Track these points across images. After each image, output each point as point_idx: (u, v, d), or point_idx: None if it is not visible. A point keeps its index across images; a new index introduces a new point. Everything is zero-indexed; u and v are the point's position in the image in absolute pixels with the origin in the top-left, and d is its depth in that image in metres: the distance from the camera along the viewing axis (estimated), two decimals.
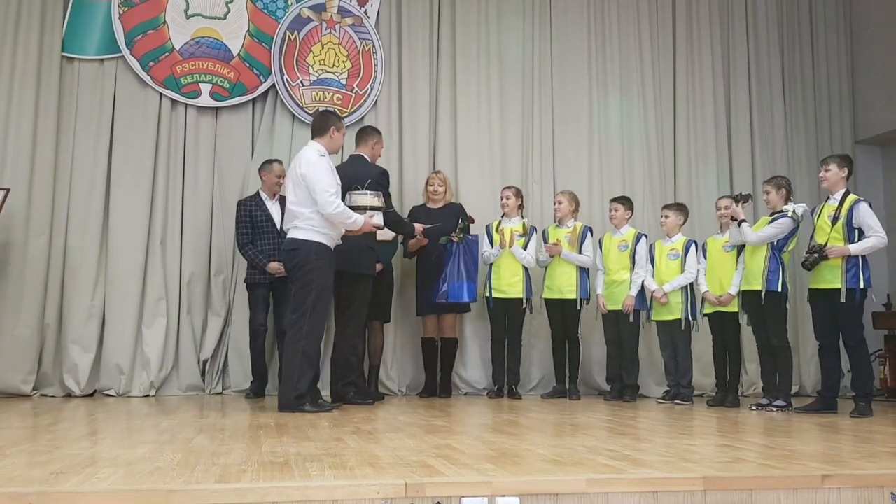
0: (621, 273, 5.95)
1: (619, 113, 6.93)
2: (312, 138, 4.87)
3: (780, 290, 5.27)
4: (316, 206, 4.61)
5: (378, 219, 4.96)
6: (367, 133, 5.51)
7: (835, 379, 5.21)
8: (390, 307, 6.01)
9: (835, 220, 5.01)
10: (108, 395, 5.77)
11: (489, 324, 6.13)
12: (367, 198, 4.98)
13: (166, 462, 2.69)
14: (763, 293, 5.24)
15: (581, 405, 5.51)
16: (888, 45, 7.09)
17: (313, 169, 4.62)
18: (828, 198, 5.21)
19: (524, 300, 6.00)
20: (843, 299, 4.91)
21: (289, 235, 4.73)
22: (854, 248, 4.91)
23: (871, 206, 5.06)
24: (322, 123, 4.88)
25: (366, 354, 5.80)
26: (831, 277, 4.98)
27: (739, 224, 5.37)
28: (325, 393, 5.36)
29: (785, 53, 7.35)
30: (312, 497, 2.23)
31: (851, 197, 5.06)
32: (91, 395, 5.79)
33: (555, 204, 6.18)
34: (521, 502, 2.32)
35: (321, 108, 6.20)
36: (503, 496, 2.31)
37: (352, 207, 4.82)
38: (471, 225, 5.96)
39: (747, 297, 5.42)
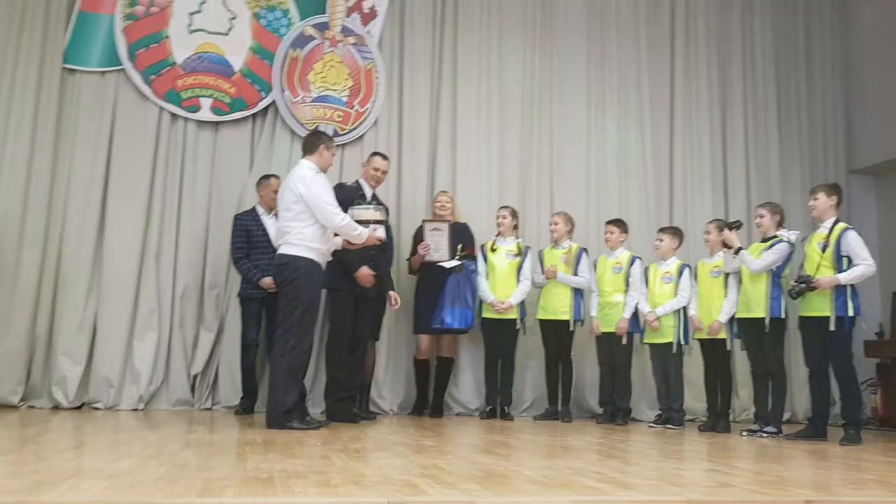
0: (615, 295, 5.95)
1: (616, 137, 6.98)
2: (303, 156, 4.91)
3: (783, 315, 5.28)
4: (307, 222, 4.64)
5: (381, 232, 5.02)
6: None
7: (825, 406, 5.20)
8: (380, 325, 6.00)
9: (824, 249, 5.02)
10: (96, 408, 5.73)
11: (483, 344, 6.13)
12: (368, 212, 5.03)
13: (149, 475, 2.67)
14: (767, 320, 5.23)
15: (572, 427, 5.49)
16: (883, 75, 7.15)
17: (311, 185, 4.67)
18: (818, 226, 5.23)
19: (518, 321, 6.00)
20: (832, 327, 4.92)
21: (279, 251, 4.77)
22: (843, 277, 4.92)
23: (859, 234, 5.06)
24: (312, 141, 4.93)
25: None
26: (821, 305, 4.98)
27: (737, 252, 5.37)
28: (319, 410, 5.36)
29: (780, 82, 7.41)
30: None
31: (840, 225, 5.07)
32: (79, 407, 5.75)
33: (551, 225, 6.20)
34: None
35: (320, 125, 6.27)
36: None
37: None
38: (470, 255, 6.01)
39: (745, 323, 5.40)
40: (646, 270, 5.99)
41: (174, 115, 6.19)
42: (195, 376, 5.98)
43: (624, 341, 5.88)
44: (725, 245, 5.49)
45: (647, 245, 6.53)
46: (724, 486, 2.90)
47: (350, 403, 5.42)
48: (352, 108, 6.45)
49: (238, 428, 4.66)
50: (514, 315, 5.98)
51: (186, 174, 6.16)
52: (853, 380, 5.04)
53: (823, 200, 5.14)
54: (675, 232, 6.07)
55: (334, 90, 6.43)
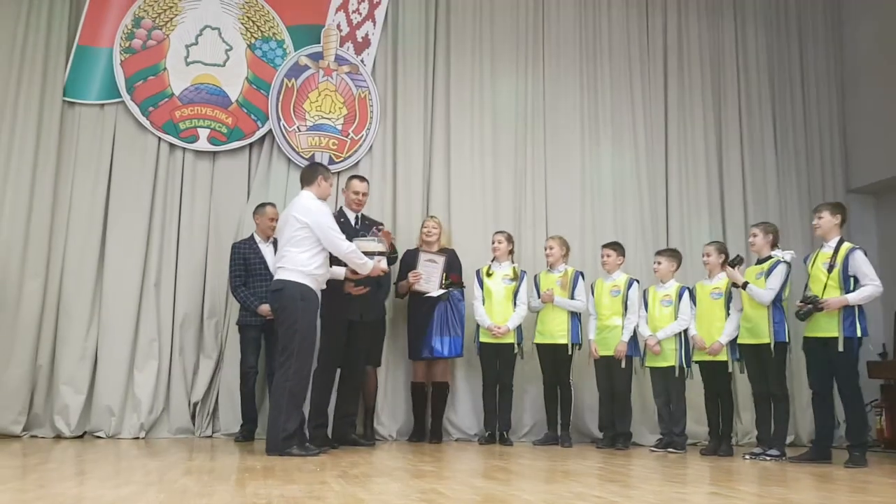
0: (613, 318, 5.94)
1: (610, 161, 7.01)
2: (302, 188, 4.98)
3: (787, 340, 5.27)
4: (304, 248, 4.68)
5: (384, 263, 5.10)
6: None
7: (828, 428, 5.16)
8: (381, 351, 5.99)
9: (830, 269, 4.99)
10: (98, 437, 5.73)
11: (480, 369, 6.12)
12: (372, 244, 5.10)
13: (149, 502, 2.67)
14: (773, 345, 5.21)
15: (573, 452, 5.46)
16: (879, 94, 7.16)
17: (317, 215, 4.75)
18: (822, 246, 5.21)
19: (515, 345, 5.99)
20: (840, 348, 4.87)
21: (276, 276, 4.81)
22: (852, 298, 4.88)
23: (866, 254, 5.05)
24: (310, 173, 5.01)
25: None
26: (828, 326, 4.94)
27: (744, 287, 5.34)
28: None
29: (776, 102, 7.44)
30: None
31: (847, 245, 5.05)
32: (81, 436, 5.74)
33: (546, 249, 6.22)
34: None
35: (316, 153, 6.33)
36: None
37: None
38: (456, 283, 6.03)
39: (748, 347, 5.37)
40: (645, 294, 5.98)
41: (172, 146, 6.24)
42: (195, 404, 5.98)
43: (623, 365, 5.86)
44: (733, 285, 5.47)
45: (644, 268, 6.54)
46: None
47: (349, 429, 5.42)
48: (347, 136, 6.50)
49: (238, 455, 4.65)
50: (511, 339, 5.97)
51: (185, 204, 6.20)
52: (859, 401, 5.00)
53: (828, 219, 5.13)
54: (674, 254, 6.06)
55: (329, 119, 6.49)
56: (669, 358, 5.74)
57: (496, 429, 5.99)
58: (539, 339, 6.07)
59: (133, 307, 5.95)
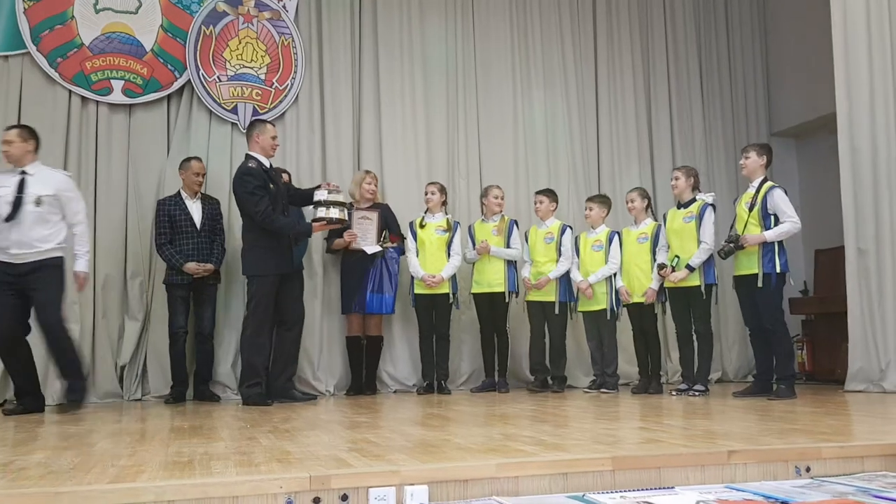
0: (548, 265, 5.99)
1: (542, 108, 7.00)
2: None
3: (715, 281, 5.40)
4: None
5: (323, 212, 5.11)
6: (249, 128, 5.48)
7: (769, 362, 5.29)
8: (302, 308, 5.90)
9: (751, 207, 5.12)
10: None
11: (417, 320, 6.10)
12: (339, 195, 5.18)
13: (62, 466, 2.56)
14: (703, 287, 5.34)
15: (509, 397, 5.51)
16: (800, 41, 7.33)
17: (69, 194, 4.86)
18: (748, 186, 5.32)
19: (451, 295, 5.98)
20: (760, 284, 5.02)
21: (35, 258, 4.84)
22: (769, 235, 5.03)
23: (786, 192, 5.18)
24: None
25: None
26: (749, 263, 5.10)
27: (691, 270, 5.36)
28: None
29: (702, 50, 7.54)
30: (211, 494, 2.14)
31: (767, 184, 5.18)
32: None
33: (495, 199, 6.17)
34: (430, 490, 2.28)
35: (239, 104, 6.12)
36: (411, 485, 2.27)
37: (318, 203, 5.13)
38: (395, 243, 6.01)
39: (676, 290, 5.47)
40: (576, 240, 6.04)
41: (84, 99, 5.93)
42: (122, 367, 5.81)
43: (556, 311, 5.91)
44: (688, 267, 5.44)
45: (577, 214, 6.59)
46: (650, 441, 2.92)
47: (289, 384, 5.37)
48: (271, 86, 6.28)
49: (168, 417, 4.53)
50: (446, 290, 5.96)
51: (101, 160, 5.92)
52: (785, 335, 5.17)
53: (754, 159, 5.24)
54: (604, 200, 6.12)
55: (251, 68, 6.26)
56: (601, 301, 5.83)
57: (434, 378, 6.00)
58: (476, 289, 6.08)
59: None
